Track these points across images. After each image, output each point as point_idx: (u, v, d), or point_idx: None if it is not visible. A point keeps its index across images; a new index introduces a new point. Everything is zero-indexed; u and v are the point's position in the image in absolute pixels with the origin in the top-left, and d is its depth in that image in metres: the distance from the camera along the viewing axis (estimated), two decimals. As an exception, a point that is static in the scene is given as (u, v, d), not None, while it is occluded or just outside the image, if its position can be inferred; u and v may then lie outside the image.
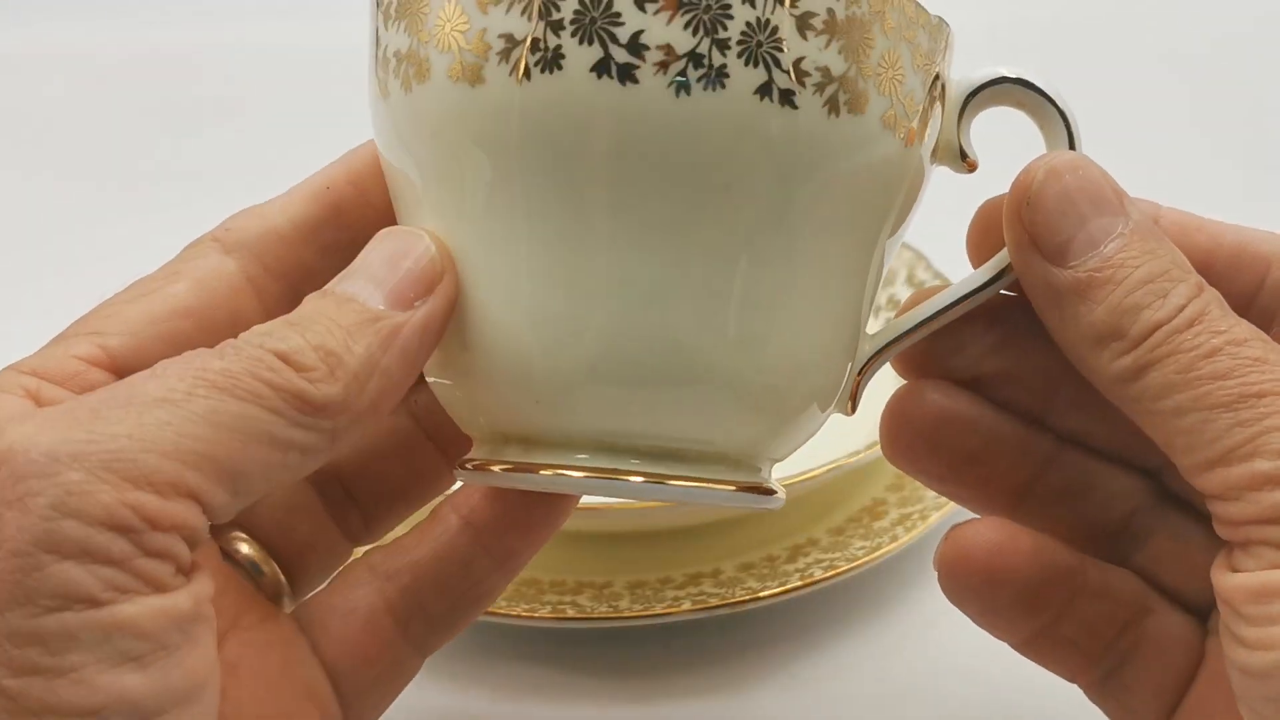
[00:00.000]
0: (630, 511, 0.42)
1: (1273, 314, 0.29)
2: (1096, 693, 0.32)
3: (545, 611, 0.41)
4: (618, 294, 0.25)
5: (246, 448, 0.24)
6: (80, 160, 0.88)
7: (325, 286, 0.26)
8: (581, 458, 0.27)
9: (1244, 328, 0.26)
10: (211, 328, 0.27)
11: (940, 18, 0.27)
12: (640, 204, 0.25)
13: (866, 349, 0.30)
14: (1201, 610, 0.31)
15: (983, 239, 0.30)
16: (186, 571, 0.24)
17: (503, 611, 0.42)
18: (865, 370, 0.30)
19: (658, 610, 0.41)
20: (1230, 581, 0.26)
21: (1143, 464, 0.32)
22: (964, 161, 0.29)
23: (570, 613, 0.41)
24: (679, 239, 0.25)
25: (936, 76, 0.27)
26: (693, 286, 0.26)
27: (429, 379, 0.29)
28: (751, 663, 0.42)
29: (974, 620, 0.31)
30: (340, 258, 0.28)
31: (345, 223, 0.30)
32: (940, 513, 0.45)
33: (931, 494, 0.46)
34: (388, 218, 0.29)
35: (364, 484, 0.33)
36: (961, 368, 0.31)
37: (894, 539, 0.44)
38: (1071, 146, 0.29)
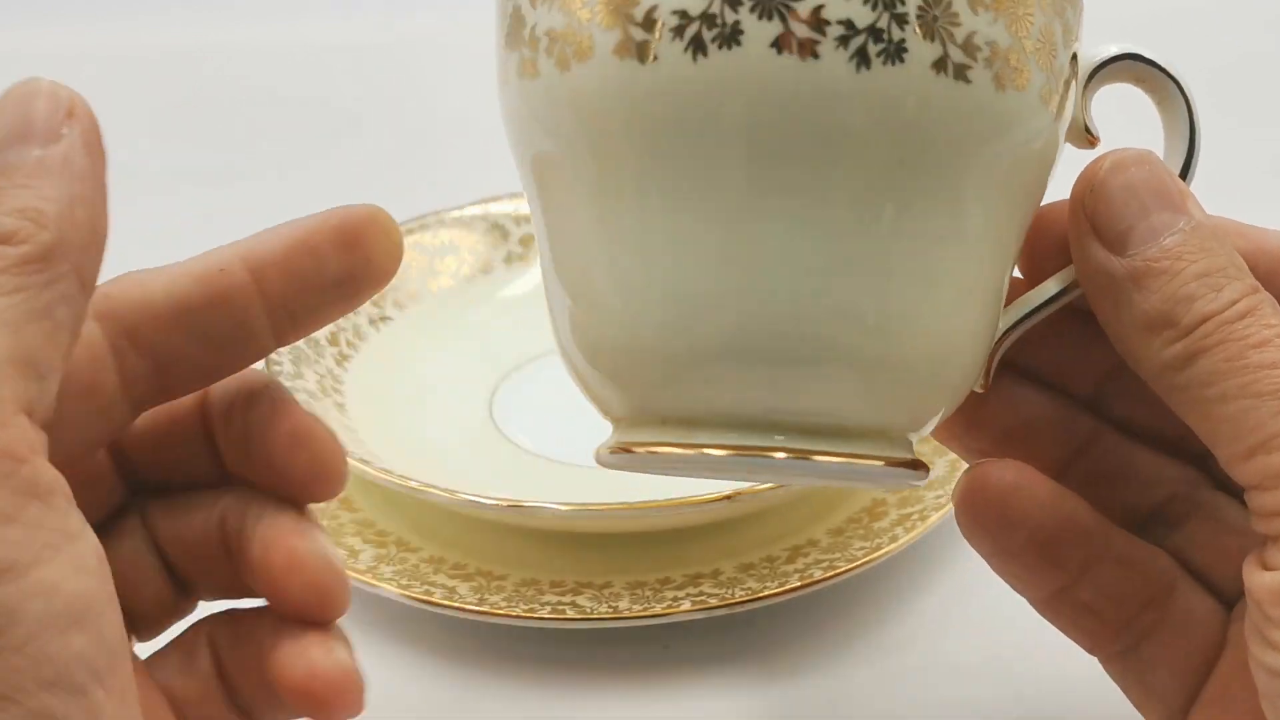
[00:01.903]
0: (630, 512, 0.42)
1: None
2: (1116, 667, 0.32)
3: (545, 611, 0.41)
4: (782, 271, 0.25)
5: (20, 334, 0.23)
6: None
7: None
8: (725, 436, 0.27)
9: None
10: (64, 393, 0.26)
11: None
12: (814, 181, 0.25)
13: (1001, 324, 0.30)
14: (1229, 597, 0.31)
15: (1038, 242, 0.30)
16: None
17: (502, 611, 0.42)
18: (999, 346, 0.30)
19: (657, 610, 0.41)
20: (1259, 580, 0.26)
21: (1191, 450, 0.32)
22: (1087, 136, 0.29)
23: (570, 613, 0.41)
24: (848, 215, 0.25)
25: (1075, 53, 0.28)
26: (855, 262, 0.26)
27: (567, 365, 0.29)
28: (751, 663, 0.42)
29: (990, 565, 0.32)
30: (213, 347, 0.27)
31: (229, 312, 0.27)
32: (940, 513, 0.45)
33: (931, 494, 0.46)
34: (279, 314, 0.28)
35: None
36: (1024, 358, 0.31)
37: (894, 539, 0.44)
38: (1190, 123, 0.29)
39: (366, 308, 0.57)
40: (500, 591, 0.43)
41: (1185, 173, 0.30)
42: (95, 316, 0.27)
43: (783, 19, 0.24)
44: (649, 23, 0.25)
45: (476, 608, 0.42)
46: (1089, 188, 0.28)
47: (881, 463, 0.27)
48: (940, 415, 0.29)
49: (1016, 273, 0.31)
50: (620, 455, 0.28)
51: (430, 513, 0.47)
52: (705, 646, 0.43)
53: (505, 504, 0.42)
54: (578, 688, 0.42)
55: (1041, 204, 0.30)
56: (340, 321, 0.55)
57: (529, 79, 0.27)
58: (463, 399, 0.54)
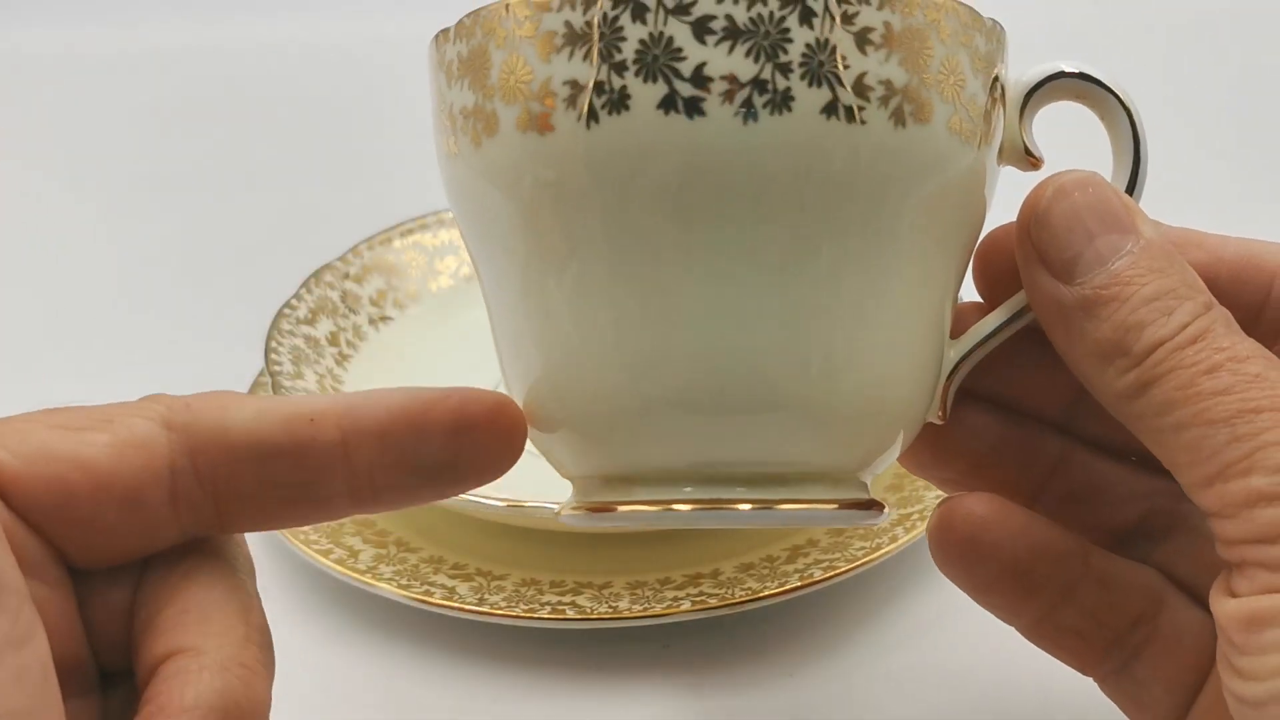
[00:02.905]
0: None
1: None
2: (1109, 686, 0.32)
3: (545, 612, 0.41)
4: (703, 326, 0.26)
5: None
6: (80, 161, 0.88)
7: None
8: (687, 490, 0.27)
9: (1247, 345, 0.26)
10: (103, 494, 0.25)
11: (994, 20, 0.28)
12: (717, 234, 0.25)
13: (952, 355, 0.30)
14: None
15: (989, 264, 0.30)
16: None
17: (502, 612, 0.42)
18: (953, 376, 0.30)
19: (657, 610, 0.41)
20: (1224, 607, 0.26)
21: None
22: (1029, 159, 0.29)
23: (570, 613, 0.41)
24: (759, 265, 0.25)
25: (996, 78, 0.27)
26: (776, 311, 0.26)
27: (537, 440, 0.29)
28: (751, 663, 0.42)
29: (971, 597, 0.31)
30: (281, 499, 0.26)
31: (307, 468, 0.26)
32: (940, 513, 0.45)
33: (931, 495, 0.46)
34: (361, 483, 0.26)
35: None
36: (984, 385, 0.31)
37: (894, 539, 0.44)
38: (1135, 136, 0.29)
39: (366, 308, 0.57)
40: (500, 591, 0.43)
41: (1133, 187, 0.29)
42: (167, 425, 0.25)
43: (667, 80, 0.24)
44: (544, 94, 0.25)
45: (476, 608, 0.42)
46: (1033, 216, 0.27)
47: (835, 506, 0.28)
48: (892, 452, 0.29)
49: (976, 296, 0.31)
50: (583, 515, 0.28)
51: (430, 513, 0.47)
52: (705, 646, 0.43)
53: (505, 504, 0.42)
54: (578, 688, 0.42)
55: (985, 228, 0.29)
56: (340, 321, 0.56)
57: (452, 156, 0.28)
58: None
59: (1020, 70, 0.29)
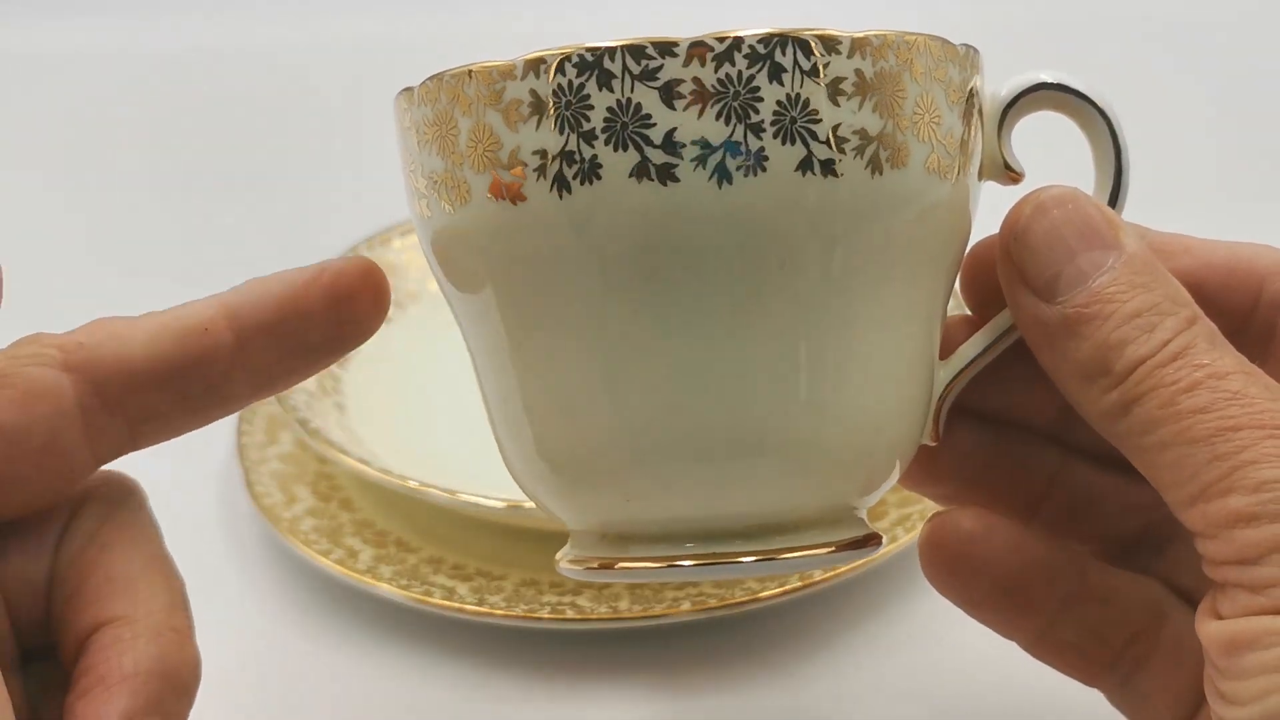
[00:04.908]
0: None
1: (1271, 328, 0.29)
2: (1115, 697, 0.32)
3: (545, 612, 0.41)
4: (691, 386, 0.25)
5: None
6: (80, 161, 0.88)
7: None
8: (689, 546, 0.27)
9: (1229, 360, 0.26)
10: (19, 447, 0.25)
11: (968, 46, 0.27)
12: (699, 296, 0.25)
13: (943, 376, 0.30)
14: None
15: (975, 278, 0.30)
16: None
17: (502, 612, 0.42)
18: (944, 397, 0.30)
19: (657, 611, 0.41)
20: (1208, 629, 0.25)
21: None
22: (1008, 174, 0.29)
23: (570, 613, 0.41)
24: (744, 322, 0.25)
25: (970, 100, 0.27)
26: (764, 366, 0.25)
27: (530, 494, 0.29)
28: (751, 663, 0.42)
29: (967, 613, 0.31)
30: (196, 406, 0.27)
31: (209, 375, 0.26)
32: (940, 513, 0.45)
33: (931, 494, 0.46)
34: (264, 380, 0.27)
35: None
36: (977, 401, 0.31)
37: (894, 539, 0.44)
38: (1116, 146, 0.28)
39: (366, 308, 0.57)
40: (500, 592, 0.43)
41: (1116, 198, 0.29)
42: (66, 368, 0.26)
43: (638, 148, 0.24)
44: (514, 164, 0.25)
45: (476, 608, 0.42)
46: (1013, 235, 0.27)
47: (831, 549, 0.27)
48: (890, 480, 0.29)
49: (967, 310, 0.31)
50: (582, 571, 0.28)
51: (430, 513, 0.47)
52: (705, 646, 0.43)
53: (505, 504, 0.42)
54: (577, 688, 0.42)
55: (969, 247, 0.29)
56: (340, 321, 0.56)
57: (426, 219, 0.27)
58: (462, 399, 0.54)
59: (997, 84, 0.28)
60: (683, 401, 0.26)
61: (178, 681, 0.25)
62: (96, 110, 0.95)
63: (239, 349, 0.27)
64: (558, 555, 0.29)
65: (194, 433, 0.28)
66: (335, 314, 0.27)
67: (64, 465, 0.26)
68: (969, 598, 0.31)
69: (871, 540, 0.28)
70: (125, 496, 0.28)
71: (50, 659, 0.27)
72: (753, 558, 0.27)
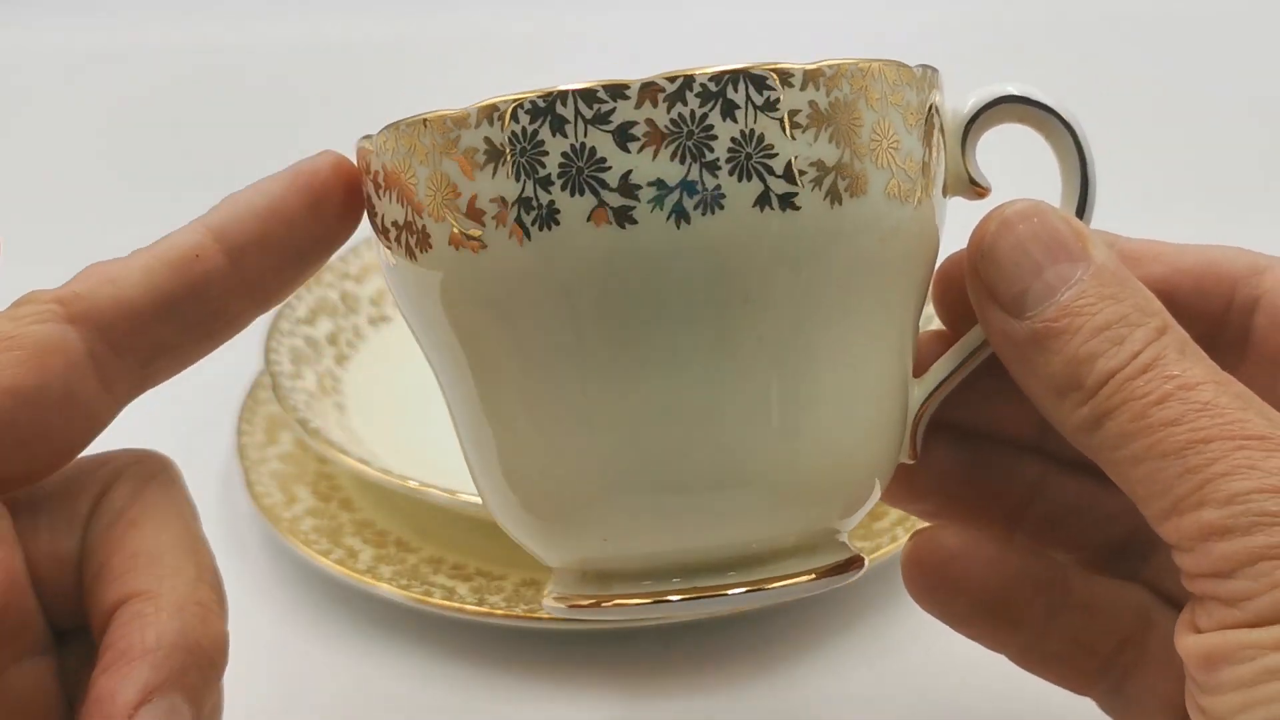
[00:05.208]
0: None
1: (1245, 332, 0.29)
2: (1107, 705, 0.32)
3: (545, 612, 0.41)
4: (662, 426, 0.25)
5: None
6: (79, 160, 0.88)
7: None
8: (675, 581, 0.27)
9: (1200, 369, 0.25)
10: (39, 407, 0.25)
11: (925, 67, 0.27)
12: (665, 336, 0.25)
13: (918, 394, 0.29)
14: None
15: (946, 293, 0.30)
16: None
17: (502, 612, 0.42)
18: (919, 416, 0.30)
19: (657, 611, 0.41)
20: (1185, 643, 0.25)
21: None
22: (974, 189, 0.28)
23: (569, 613, 0.41)
24: (712, 357, 0.25)
25: (930, 121, 0.27)
26: (736, 399, 0.25)
27: (508, 532, 0.29)
28: (751, 663, 0.42)
29: (953, 629, 0.31)
30: (202, 333, 0.27)
31: (211, 297, 0.26)
32: (940, 512, 0.45)
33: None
34: (262, 293, 0.27)
35: None
36: (954, 415, 0.31)
37: (894, 539, 0.44)
38: (1081, 156, 0.28)
39: (366, 308, 0.57)
40: (500, 591, 0.43)
41: (1083, 209, 0.28)
42: (69, 320, 0.26)
43: (595, 191, 0.24)
44: (473, 212, 0.25)
45: (476, 608, 0.42)
46: (979, 251, 0.27)
47: (812, 577, 0.27)
48: (870, 502, 0.29)
49: (939, 325, 0.31)
50: (567, 610, 0.28)
51: (430, 513, 0.47)
52: (705, 646, 0.43)
53: (504, 504, 0.42)
54: (578, 688, 0.42)
55: (939, 263, 0.29)
56: (340, 321, 0.56)
57: (391, 266, 0.27)
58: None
59: (960, 99, 0.28)
60: (656, 439, 0.25)
61: (201, 655, 0.25)
62: (97, 110, 0.95)
63: (233, 268, 0.27)
64: (544, 592, 0.29)
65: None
66: (317, 213, 0.27)
67: (84, 415, 0.26)
68: (954, 614, 0.31)
69: (853, 564, 0.28)
70: (157, 473, 0.28)
71: (86, 637, 0.27)
72: (741, 589, 0.27)
